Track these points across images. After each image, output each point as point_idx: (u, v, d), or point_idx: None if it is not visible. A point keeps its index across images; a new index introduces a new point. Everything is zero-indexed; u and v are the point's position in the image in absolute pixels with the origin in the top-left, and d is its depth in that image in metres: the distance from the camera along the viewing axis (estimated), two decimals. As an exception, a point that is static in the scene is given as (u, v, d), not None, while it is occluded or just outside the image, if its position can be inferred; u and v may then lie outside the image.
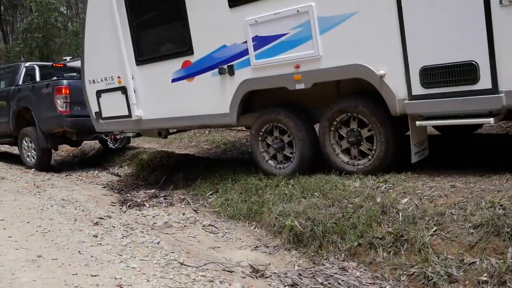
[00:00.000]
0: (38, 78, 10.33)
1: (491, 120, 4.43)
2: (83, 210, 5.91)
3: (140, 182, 8.15)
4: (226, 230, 5.41)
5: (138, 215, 6.11)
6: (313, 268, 4.23)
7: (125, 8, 6.95)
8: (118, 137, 10.24)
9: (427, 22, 4.61)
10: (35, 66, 10.74)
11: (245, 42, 5.85)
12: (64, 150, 12.44)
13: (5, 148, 12.74)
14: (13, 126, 10.09)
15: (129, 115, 7.24)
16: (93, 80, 7.63)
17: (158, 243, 4.70)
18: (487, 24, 4.29)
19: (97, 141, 11.13)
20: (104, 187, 8.42)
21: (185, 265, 4.06)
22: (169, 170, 8.08)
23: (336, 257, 4.38)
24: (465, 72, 4.45)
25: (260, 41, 5.73)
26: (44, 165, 9.76)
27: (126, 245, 4.54)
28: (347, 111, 5.37)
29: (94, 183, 8.89)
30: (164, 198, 6.76)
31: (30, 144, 9.79)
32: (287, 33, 5.50)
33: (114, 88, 7.33)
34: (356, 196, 4.79)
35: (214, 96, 6.28)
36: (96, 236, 4.76)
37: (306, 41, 5.37)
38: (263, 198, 5.61)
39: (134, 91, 7.13)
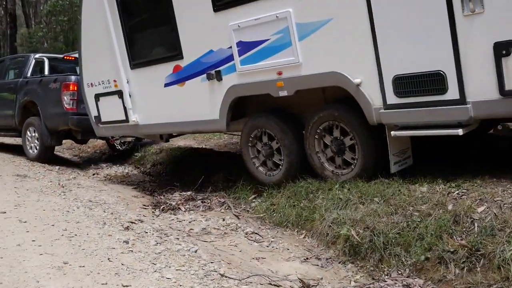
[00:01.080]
0: (47, 71, 10.82)
1: (460, 131, 4.74)
2: (112, 213, 6.04)
3: (174, 183, 8.24)
4: (272, 239, 5.42)
5: (172, 219, 6.19)
6: (372, 284, 4.17)
7: (117, 10, 7.47)
8: (118, 141, 10.80)
9: (396, 30, 4.97)
10: (45, 58, 11.25)
11: (230, 47, 6.34)
12: (90, 146, 12.77)
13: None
14: (19, 120, 10.62)
15: (126, 120, 7.81)
16: (91, 84, 8.26)
17: (195, 251, 4.76)
18: (452, 34, 4.63)
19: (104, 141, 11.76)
20: (135, 187, 8.60)
21: (226, 277, 4.10)
22: (207, 170, 8.16)
23: (400, 272, 4.31)
24: (433, 82, 4.82)
25: (244, 47, 6.19)
26: (46, 158, 10.25)
27: (160, 252, 4.61)
28: (329, 119, 5.82)
29: (124, 183, 9.09)
30: (201, 202, 6.82)
31: (34, 134, 10.24)
32: (269, 39, 5.95)
33: (111, 92, 7.94)
34: (423, 202, 4.72)
35: (204, 102, 6.82)
36: (127, 242, 4.86)
37: (287, 47, 5.81)
38: (314, 203, 5.59)
39: (130, 96, 7.70)
